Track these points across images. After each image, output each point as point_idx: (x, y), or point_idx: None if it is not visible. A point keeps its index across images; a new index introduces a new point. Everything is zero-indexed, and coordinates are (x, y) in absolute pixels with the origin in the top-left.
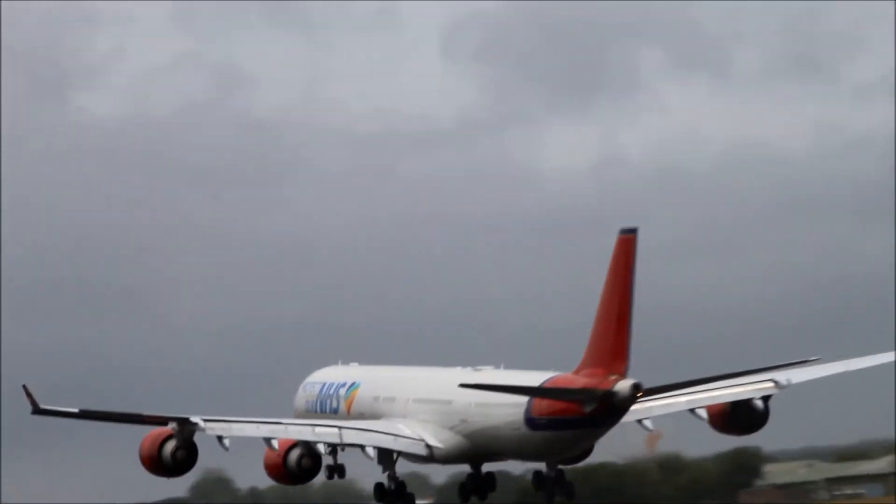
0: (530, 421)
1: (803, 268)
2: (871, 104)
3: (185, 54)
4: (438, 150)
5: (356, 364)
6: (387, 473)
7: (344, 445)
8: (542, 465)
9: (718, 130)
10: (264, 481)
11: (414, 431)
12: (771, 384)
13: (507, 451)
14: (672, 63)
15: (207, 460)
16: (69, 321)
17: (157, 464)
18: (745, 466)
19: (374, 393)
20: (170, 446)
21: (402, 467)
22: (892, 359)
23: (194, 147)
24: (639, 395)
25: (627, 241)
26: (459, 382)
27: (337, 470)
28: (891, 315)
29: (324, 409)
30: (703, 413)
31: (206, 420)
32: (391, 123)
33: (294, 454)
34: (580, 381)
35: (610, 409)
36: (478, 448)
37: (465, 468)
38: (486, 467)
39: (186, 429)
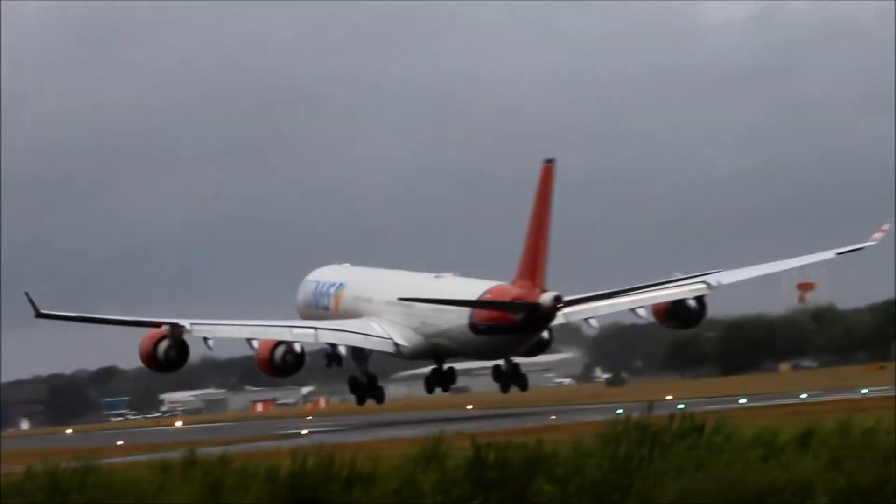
0: (472, 326)
1: None
2: None
3: None
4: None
5: (348, 265)
6: (360, 369)
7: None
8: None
9: None
10: None
11: (384, 331)
12: (704, 286)
13: (458, 350)
14: None
15: None
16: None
17: (152, 361)
18: None
19: (355, 293)
20: (163, 346)
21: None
22: (818, 258)
23: None
24: (559, 305)
25: (547, 170)
26: (399, 296)
27: (335, 359)
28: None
29: (318, 305)
30: (642, 312)
31: (193, 323)
32: None
33: (279, 351)
34: (512, 293)
35: (536, 317)
36: (436, 347)
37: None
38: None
39: (177, 330)
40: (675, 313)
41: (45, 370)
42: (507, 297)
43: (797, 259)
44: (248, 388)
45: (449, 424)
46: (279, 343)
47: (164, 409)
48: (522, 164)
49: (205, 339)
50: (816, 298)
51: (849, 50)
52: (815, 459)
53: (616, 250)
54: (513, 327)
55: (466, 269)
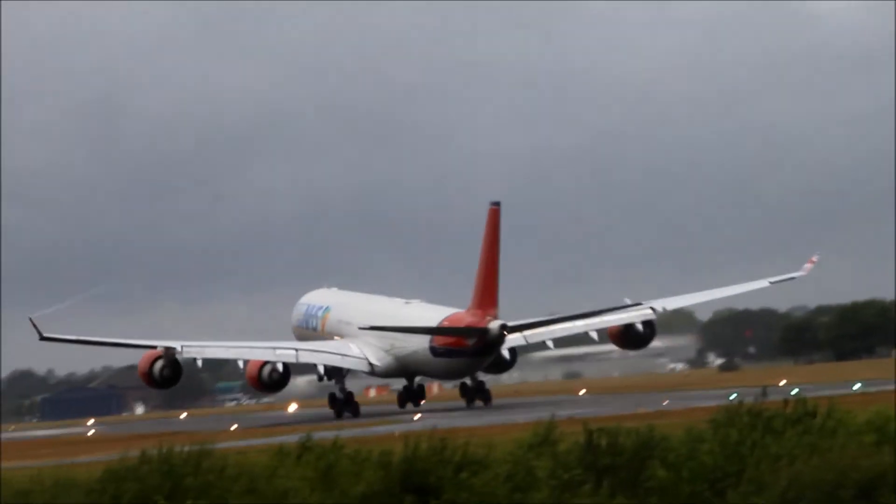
0: (433, 349)
1: None
2: None
3: None
4: None
5: (335, 289)
6: (338, 386)
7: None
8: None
9: None
10: None
11: (360, 351)
12: (650, 311)
13: (422, 370)
14: None
15: None
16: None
17: (149, 379)
18: None
19: (338, 317)
20: (158, 365)
21: None
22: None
23: None
24: (505, 332)
25: (495, 212)
26: (359, 325)
27: (327, 374)
28: None
29: (307, 326)
30: (594, 335)
31: (184, 345)
32: None
33: (266, 370)
34: (466, 320)
35: (485, 343)
36: (405, 367)
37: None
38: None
39: (169, 352)
40: (625, 336)
41: None
42: (461, 324)
43: (733, 287)
44: (362, 373)
45: (561, 409)
46: (266, 363)
47: (277, 394)
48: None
49: (194, 359)
50: None
51: None
52: None
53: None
54: (466, 351)
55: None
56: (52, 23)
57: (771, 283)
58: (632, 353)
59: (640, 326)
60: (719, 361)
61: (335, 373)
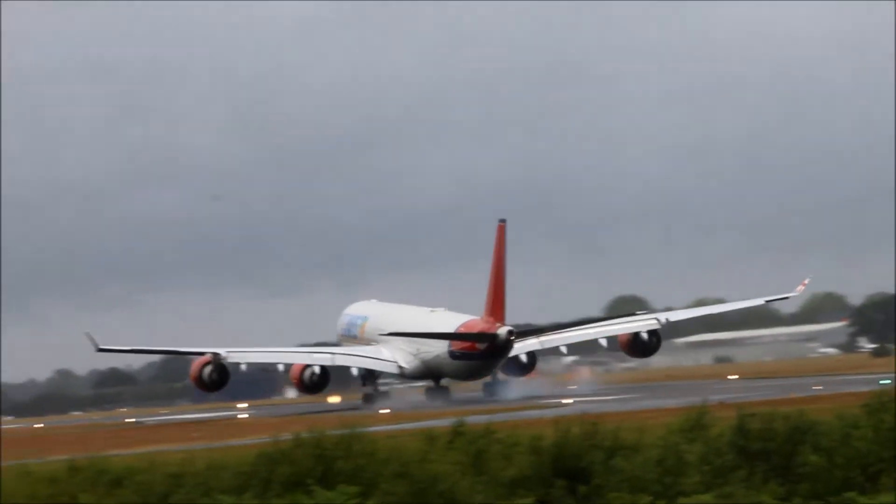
0: (451, 353)
1: None
2: None
3: None
4: None
5: (375, 301)
6: (371, 386)
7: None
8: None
9: None
10: None
11: (391, 355)
12: (655, 321)
13: (444, 372)
14: None
15: None
16: None
17: (199, 382)
18: None
19: (374, 325)
20: (207, 370)
21: None
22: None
23: None
24: (512, 337)
25: (501, 228)
26: (387, 332)
27: (369, 377)
28: None
29: (349, 334)
30: (603, 342)
31: (229, 351)
32: None
33: (307, 372)
34: (478, 327)
35: (495, 346)
36: (430, 369)
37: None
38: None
39: (217, 357)
40: (633, 344)
41: (311, 339)
42: (474, 330)
43: (730, 304)
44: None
45: (712, 394)
46: (306, 366)
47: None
48: (796, 135)
49: (237, 363)
50: None
51: None
52: None
53: None
54: (479, 354)
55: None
56: (208, 10)
57: (766, 301)
58: (782, 337)
59: (645, 335)
60: (871, 346)
61: (368, 375)
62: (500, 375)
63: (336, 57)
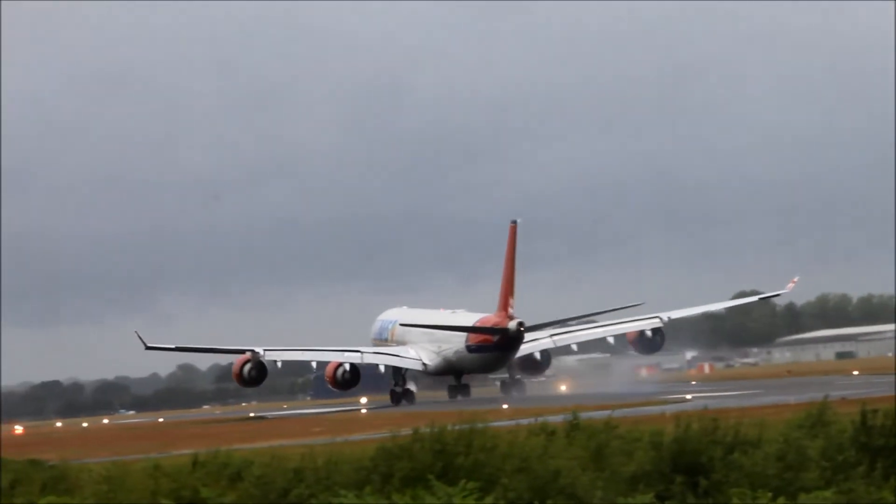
0: (468, 347)
1: None
2: None
3: None
4: None
5: (405, 307)
6: (396, 383)
7: (365, 365)
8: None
9: None
10: None
11: (416, 354)
12: (657, 320)
13: (462, 367)
14: None
15: None
16: None
17: (240, 379)
18: None
19: (403, 328)
20: (247, 367)
21: None
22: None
23: None
24: (522, 329)
25: (513, 229)
26: (401, 322)
27: (397, 374)
28: None
29: (381, 337)
30: (611, 339)
31: (266, 350)
32: None
33: (339, 370)
34: (491, 321)
35: (507, 338)
36: (451, 364)
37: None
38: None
39: (255, 356)
40: (640, 342)
41: None
42: (488, 325)
43: (727, 302)
44: (632, 352)
45: (834, 390)
46: (339, 365)
47: (548, 373)
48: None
49: (274, 361)
50: None
51: None
52: None
53: None
54: (493, 346)
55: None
56: (327, 8)
57: (760, 299)
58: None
59: (649, 333)
60: None
61: (396, 372)
62: (517, 375)
63: (453, 58)
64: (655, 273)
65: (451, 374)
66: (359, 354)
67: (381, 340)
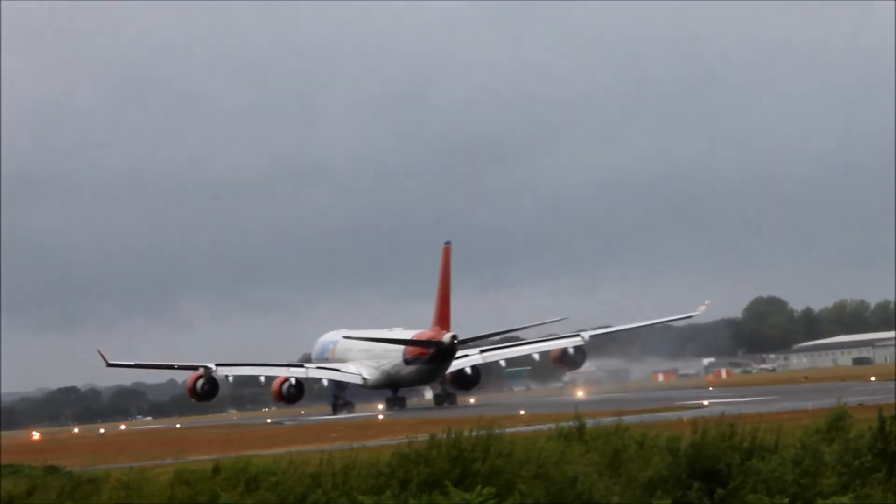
0: (405, 360)
1: None
2: None
3: None
4: None
5: (345, 329)
6: (338, 396)
7: (310, 379)
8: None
9: None
10: None
11: (356, 370)
12: (579, 339)
13: (401, 380)
14: None
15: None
16: None
17: (193, 393)
18: None
19: (343, 347)
20: (200, 382)
21: None
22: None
23: None
24: (455, 342)
25: (447, 250)
26: (343, 335)
27: (337, 388)
28: None
29: (322, 356)
30: (536, 356)
31: (217, 365)
32: None
33: (285, 385)
34: (426, 335)
35: (442, 351)
36: (389, 378)
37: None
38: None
39: (207, 371)
40: (563, 359)
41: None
42: (423, 338)
43: (632, 323)
44: (649, 358)
45: (851, 395)
46: (286, 379)
47: (565, 379)
48: None
49: (225, 376)
50: None
51: None
52: None
53: None
54: (428, 358)
55: None
56: (357, 13)
57: (666, 321)
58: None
59: (571, 351)
60: None
61: (338, 385)
62: (449, 389)
63: (483, 58)
64: (674, 278)
65: (390, 388)
66: (303, 370)
67: (323, 360)
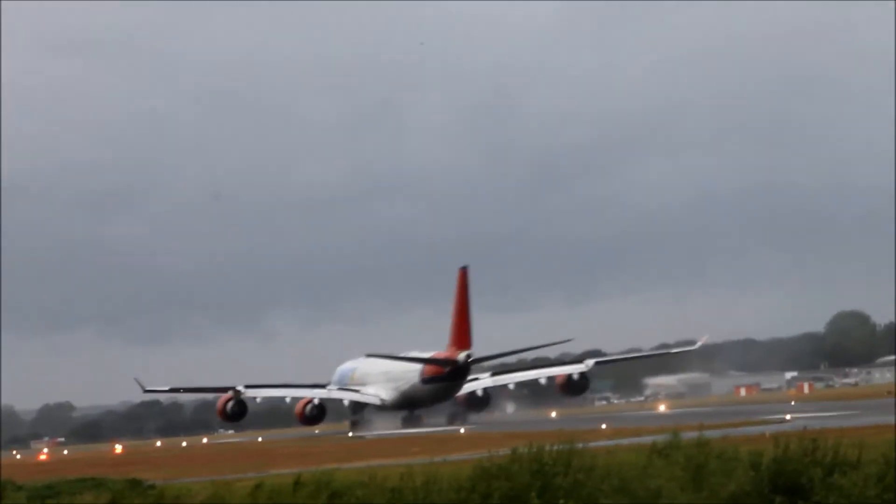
0: (423, 379)
1: None
2: None
3: None
4: None
5: (362, 357)
6: (358, 415)
7: (331, 399)
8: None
9: None
10: None
11: (375, 391)
12: (584, 365)
13: (417, 399)
14: None
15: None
16: None
17: (223, 414)
18: None
19: (361, 372)
20: (230, 404)
21: None
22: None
23: None
24: (469, 360)
25: (464, 273)
26: (367, 353)
27: (357, 408)
28: None
29: (342, 383)
30: (543, 381)
31: (246, 386)
32: None
33: (308, 406)
34: (442, 355)
35: (456, 369)
36: (406, 398)
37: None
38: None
39: (236, 393)
40: (568, 385)
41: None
42: (440, 357)
43: (636, 353)
44: (732, 372)
45: None
46: (308, 402)
47: (647, 392)
48: None
49: (253, 398)
50: None
51: None
52: None
53: None
54: (444, 377)
55: None
56: (441, 23)
57: (672, 353)
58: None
59: (576, 377)
60: None
61: (358, 406)
62: (461, 410)
63: (564, 69)
64: (760, 292)
65: (406, 407)
66: (326, 391)
67: (343, 385)
